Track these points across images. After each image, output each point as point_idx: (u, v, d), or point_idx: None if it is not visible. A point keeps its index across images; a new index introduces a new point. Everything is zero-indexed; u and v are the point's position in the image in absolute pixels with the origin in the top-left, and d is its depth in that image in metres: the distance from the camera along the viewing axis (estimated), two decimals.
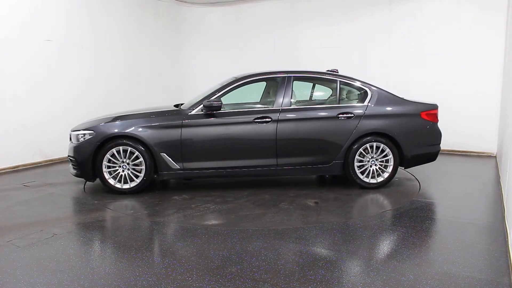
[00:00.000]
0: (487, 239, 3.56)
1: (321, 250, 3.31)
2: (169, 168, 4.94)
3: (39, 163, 6.81)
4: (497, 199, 4.66)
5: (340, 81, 5.23)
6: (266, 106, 5.30)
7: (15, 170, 6.40)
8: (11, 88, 6.35)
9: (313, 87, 5.71)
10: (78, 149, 4.96)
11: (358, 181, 5.07)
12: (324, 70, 5.45)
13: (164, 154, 4.91)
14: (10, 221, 4.07)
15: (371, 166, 5.08)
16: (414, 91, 7.21)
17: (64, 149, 7.10)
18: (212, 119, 4.97)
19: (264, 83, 5.71)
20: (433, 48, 7.52)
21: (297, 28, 8.78)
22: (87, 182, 5.55)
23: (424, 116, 5.14)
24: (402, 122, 5.08)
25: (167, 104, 6.08)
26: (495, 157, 7.05)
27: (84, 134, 4.96)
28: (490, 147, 7.26)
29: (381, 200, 4.74)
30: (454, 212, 4.29)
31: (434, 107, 5.25)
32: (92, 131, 4.93)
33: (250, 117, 4.98)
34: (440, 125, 5.27)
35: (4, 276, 2.88)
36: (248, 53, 9.26)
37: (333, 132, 5.02)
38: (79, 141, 4.98)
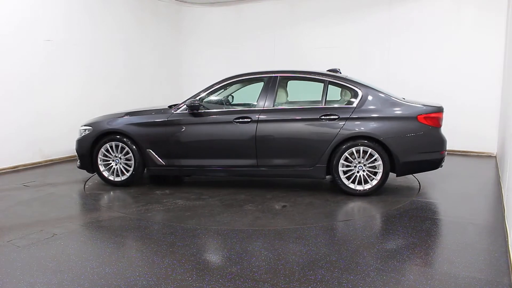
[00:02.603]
0: (487, 239, 3.55)
1: (321, 250, 3.31)
2: (155, 164, 5.17)
3: (39, 163, 6.81)
4: (497, 199, 4.66)
5: (329, 81, 4.97)
6: (250, 106, 5.23)
7: (15, 170, 6.40)
8: (11, 88, 6.35)
9: (307, 87, 5.63)
10: (79, 143, 5.40)
11: (342, 187, 4.79)
12: (325, 70, 5.41)
13: (150, 150, 5.16)
14: (10, 221, 4.07)
15: (358, 172, 4.75)
16: (414, 91, 7.21)
17: (64, 149, 7.16)
18: (193, 118, 5.09)
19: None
20: (433, 48, 7.51)
21: (297, 28, 8.77)
22: (87, 182, 5.58)
23: (421, 119, 4.68)
24: (394, 126, 4.69)
25: (167, 103, 6.09)
26: (495, 157, 7.05)
27: (85, 130, 5.40)
28: (490, 147, 7.26)
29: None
30: (454, 212, 4.29)
31: (436, 110, 4.75)
32: (90, 127, 5.37)
33: (231, 117, 4.98)
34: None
35: (4, 276, 2.88)
36: (248, 53, 9.26)
37: (314, 134, 4.78)
38: (81, 135, 5.42)
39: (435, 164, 4.85)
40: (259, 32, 9.17)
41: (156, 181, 5.70)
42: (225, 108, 5.31)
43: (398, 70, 7.84)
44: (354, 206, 4.54)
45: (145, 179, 5.73)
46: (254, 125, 4.90)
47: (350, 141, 4.71)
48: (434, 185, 5.37)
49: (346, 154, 4.73)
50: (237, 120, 4.95)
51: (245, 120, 4.92)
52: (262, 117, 4.91)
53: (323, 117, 4.79)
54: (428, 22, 7.52)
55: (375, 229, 3.81)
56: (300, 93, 5.65)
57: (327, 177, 5.02)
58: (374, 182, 4.73)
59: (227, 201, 4.70)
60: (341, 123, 4.73)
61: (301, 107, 5.12)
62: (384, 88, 5.32)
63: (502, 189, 4.83)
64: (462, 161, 6.94)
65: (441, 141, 4.80)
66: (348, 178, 4.78)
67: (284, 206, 4.48)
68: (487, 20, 7.04)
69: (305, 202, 4.61)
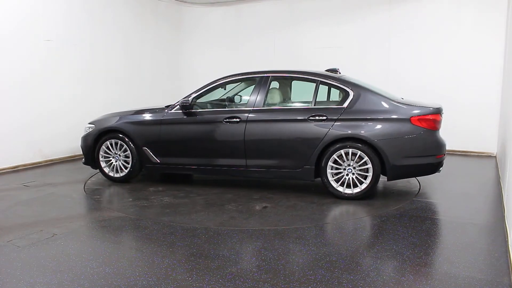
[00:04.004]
0: (487, 239, 3.56)
1: (321, 250, 3.31)
2: (150, 161, 5.31)
3: (39, 163, 6.81)
4: (497, 199, 4.66)
5: (320, 81, 4.86)
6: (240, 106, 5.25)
7: (15, 170, 6.40)
8: (11, 88, 6.34)
9: (304, 87, 5.57)
10: (84, 140, 5.63)
11: (330, 189, 4.63)
12: (323, 70, 5.37)
13: (146, 148, 5.29)
14: (10, 221, 4.07)
15: (347, 175, 4.58)
16: (414, 91, 7.21)
17: (64, 149, 7.16)
18: (185, 118, 5.18)
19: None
20: (433, 48, 7.51)
21: (297, 28, 8.77)
22: (87, 182, 5.58)
23: (415, 121, 4.45)
24: (385, 128, 4.48)
25: (167, 103, 6.11)
26: (495, 157, 7.05)
27: (89, 127, 5.62)
28: (490, 147, 7.26)
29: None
30: (454, 212, 4.29)
31: (432, 111, 4.51)
32: (93, 125, 5.59)
33: (221, 117, 5.00)
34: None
35: (4, 276, 2.88)
36: (248, 53, 9.26)
37: (302, 135, 4.67)
38: (85, 132, 5.64)
39: (431, 169, 4.63)
40: (259, 32, 9.17)
41: (155, 178, 5.77)
42: (217, 108, 5.36)
43: (398, 70, 7.83)
44: (338, 209, 4.43)
45: (157, 176, 5.92)
46: (243, 125, 4.88)
47: (339, 143, 4.56)
48: (434, 185, 5.37)
49: (334, 156, 4.58)
50: (227, 120, 4.95)
51: (235, 120, 4.92)
52: (251, 117, 4.89)
53: (311, 117, 4.68)
54: (428, 22, 7.52)
55: (375, 229, 3.81)
56: (300, 93, 5.63)
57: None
58: (363, 186, 4.54)
59: (211, 200, 4.73)
60: (329, 124, 4.59)
61: (290, 107, 5.09)
62: (384, 88, 5.30)
63: (502, 189, 4.82)
64: (462, 161, 6.94)
65: (437, 145, 4.56)
66: (337, 181, 4.63)
67: (265, 207, 4.44)
68: (487, 20, 7.04)
69: (288, 204, 4.54)
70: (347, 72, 5.60)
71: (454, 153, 7.37)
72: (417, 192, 5.01)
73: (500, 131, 6.51)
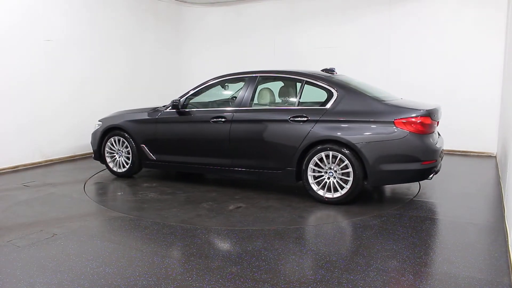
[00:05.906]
0: (487, 239, 3.56)
1: (321, 250, 3.31)
2: (148, 158, 5.52)
3: (39, 163, 6.81)
4: (497, 199, 4.66)
5: (305, 81, 4.75)
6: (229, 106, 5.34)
7: (15, 170, 6.40)
8: (11, 88, 6.34)
9: (296, 88, 5.40)
10: (93, 136, 5.96)
11: (311, 192, 4.50)
12: (319, 70, 5.29)
13: (144, 145, 5.51)
14: (10, 221, 4.07)
15: (328, 178, 4.41)
16: (414, 91, 7.21)
17: (64, 149, 7.16)
18: (177, 117, 5.31)
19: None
20: (433, 48, 7.51)
21: (297, 28, 8.77)
22: (87, 182, 5.58)
23: (399, 124, 4.17)
24: (367, 130, 4.26)
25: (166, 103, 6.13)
26: (495, 157, 7.05)
27: (98, 124, 5.94)
28: (490, 147, 7.26)
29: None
30: (454, 212, 4.29)
31: (420, 114, 4.20)
32: (101, 122, 5.91)
33: (208, 116, 5.07)
34: (439, 126, 4.72)
35: (4, 276, 2.88)
36: (248, 53, 9.25)
37: (283, 136, 4.59)
38: (95, 129, 5.96)
39: (417, 175, 4.39)
40: (259, 32, 9.17)
41: (156, 174, 5.96)
42: (207, 108, 5.47)
43: (398, 70, 7.83)
44: (309, 214, 4.28)
45: (171, 174, 6.10)
46: (228, 125, 4.92)
47: (319, 145, 4.42)
48: (434, 185, 5.36)
49: (315, 159, 4.43)
50: (213, 120, 5.00)
51: (221, 120, 4.96)
52: (236, 117, 4.91)
53: (292, 118, 4.59)
54: (428, 21, 7.51)
55: (375, 229, 3.80)
56: (288, 93, 5.53)
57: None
58: (344, 191, 4.34)
59: (193, 198, 4.81)
60: (310, 125, 4.46)
61: (274, 107, 5.07)
62: (384, 88, 5.29)
63: (502, 189, 4.82)
64: (462, 161, 6.94)
65: (424, 150, 4.23)
66: (319, 184, 4.48)
67: (238, 207, 4.43)
68: (487, 20, 7.03)
69: (263, 206, 4.48)
70: (347, 72, 5.60)
71: (454, 153, 7.37)
72: (417, 192, 5.01)
73: (500, 131, 6.51)
